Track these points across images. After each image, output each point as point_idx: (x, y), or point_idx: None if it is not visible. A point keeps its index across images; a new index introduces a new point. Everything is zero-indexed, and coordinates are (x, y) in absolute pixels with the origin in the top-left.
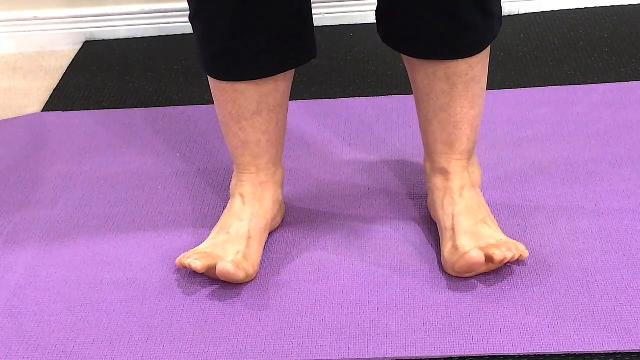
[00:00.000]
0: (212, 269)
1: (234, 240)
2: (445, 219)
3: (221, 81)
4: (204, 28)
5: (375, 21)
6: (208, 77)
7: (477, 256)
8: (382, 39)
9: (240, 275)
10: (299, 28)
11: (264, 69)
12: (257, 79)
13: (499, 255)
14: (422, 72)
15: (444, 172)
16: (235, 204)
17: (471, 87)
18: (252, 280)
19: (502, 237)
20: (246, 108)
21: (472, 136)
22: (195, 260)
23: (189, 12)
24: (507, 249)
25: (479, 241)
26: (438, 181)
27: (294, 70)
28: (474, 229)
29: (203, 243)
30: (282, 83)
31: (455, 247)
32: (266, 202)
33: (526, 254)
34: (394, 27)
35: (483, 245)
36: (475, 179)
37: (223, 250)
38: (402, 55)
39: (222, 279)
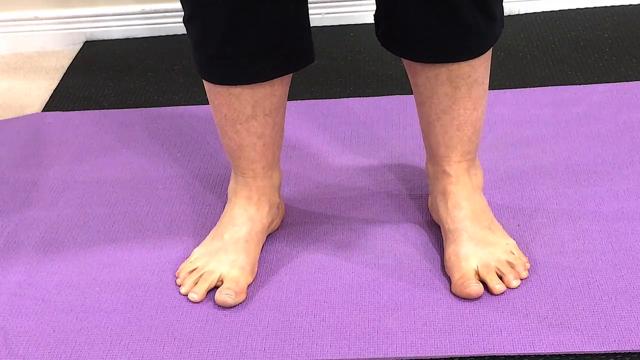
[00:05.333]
0: (209, 288)
1: (228, 248)
2: (449, 222)
3: (216, 85)
4: (198, 32)
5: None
6: (203, 80)
7: (476, 292)
8: (382, 43)
9: (240, 299)
10: (295, 33)
11: (259, 73)
12: (252, 83)
13: (499, 289)
14: (424, 75)
15: (447, 175)
16: (231, 208)
17: (474, 88)
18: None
19: (508, 241)
20: (241, 112)
21: (474, 138)
22: (192, 294)
23: (182, 15)
24: (515, 277)
25: (484, 251)
26: (441, 184)
27: (291, 74)
28: (479, 235)
29: (197, 248)
30: (278, 87)
31: (457, 255)
32: (263, 205)
33: (528, 266)
34: (394, 31)
35: (487, 262)
36: (478, 181)
37: (217, 261)
38: (402, 58)
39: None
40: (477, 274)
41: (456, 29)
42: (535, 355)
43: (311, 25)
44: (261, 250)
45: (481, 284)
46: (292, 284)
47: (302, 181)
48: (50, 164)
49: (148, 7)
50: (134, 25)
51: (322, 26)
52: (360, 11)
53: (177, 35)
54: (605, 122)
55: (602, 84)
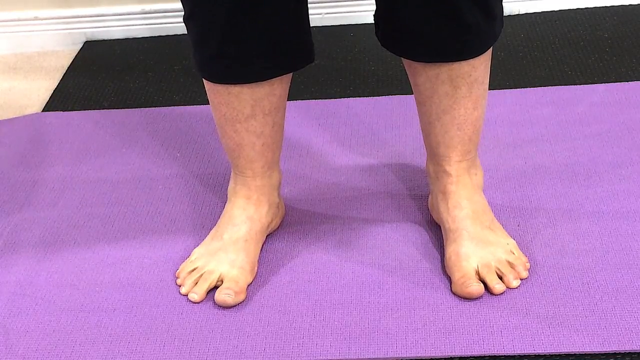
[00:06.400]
0: (209, 288)
1: (227, 248)
2: (449, 222)
3: (215, 83)
4: (198, 31)
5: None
6: (203, 79)
7: (477, 291)
8: (382, 43)
9: (240, 299)
10: (295, 33)
11: (258, 73)
12: (251, 82)
13: (499, 289)
14: (424, 75)
15: (448, 175)
16: (230, 207)
17: (474, 88)
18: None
19: (509, 241)
20: (240, 111)
21: (474, 137)
22: (193, 294)
23: (183, 13)
24: (515, 277)
25: (484, 250)
26: (441, 184)
27: (291, 74)
28: (480, 235)
29: (197, 248)
30: (278, 87)
31: (457, 254)
32: (262, 205)
33: (528, 266)
34: (394, 31)
35: (488, 262)
36: (478, 181)
37: (216, 261)
38: (402, 58)
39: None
40: (478, 273)
41: (456, 28)
42: (535, 355)
43: (311, 25)
44: (261, 250)
45: (482, 284)
46: (292, 284)
47: (302, 181)
48: (50, 164)
49: (148, 7)
50: (134, 25)
51: (322, 26)
52: (360, 11)
53: (177, 35)
54: (605, 122)
55: (602, 84)
